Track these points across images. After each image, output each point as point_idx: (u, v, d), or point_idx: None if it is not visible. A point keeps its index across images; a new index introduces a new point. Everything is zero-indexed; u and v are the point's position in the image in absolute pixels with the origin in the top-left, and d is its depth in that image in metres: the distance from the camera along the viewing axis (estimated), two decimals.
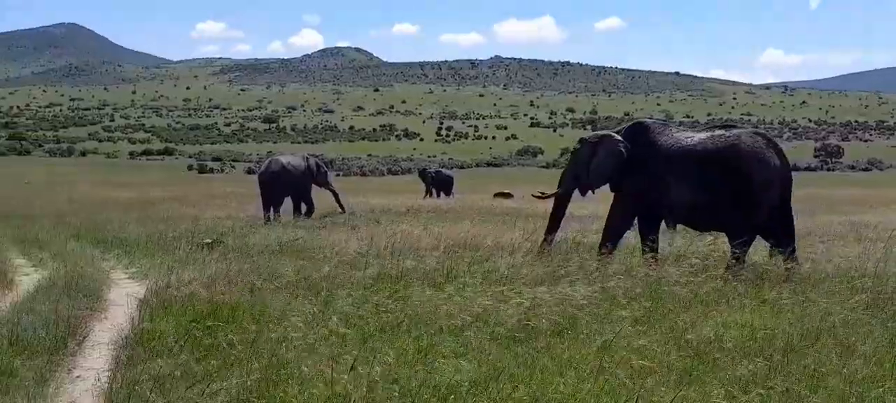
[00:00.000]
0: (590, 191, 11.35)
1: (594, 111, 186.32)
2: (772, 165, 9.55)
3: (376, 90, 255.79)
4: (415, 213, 21.05)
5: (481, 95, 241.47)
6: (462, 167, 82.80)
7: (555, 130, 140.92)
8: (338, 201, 21.86)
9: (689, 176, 9.71)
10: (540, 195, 12.74)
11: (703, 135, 10.02)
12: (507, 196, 32.33)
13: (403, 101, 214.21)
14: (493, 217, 19.07)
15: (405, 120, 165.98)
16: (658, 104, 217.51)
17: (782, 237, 9.64)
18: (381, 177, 72.29)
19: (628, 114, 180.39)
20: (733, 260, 9.18)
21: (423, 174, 37.04)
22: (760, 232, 9.74)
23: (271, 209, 20.05)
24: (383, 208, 23.61)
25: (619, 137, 10.74)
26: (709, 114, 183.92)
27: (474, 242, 11.32)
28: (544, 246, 10.77)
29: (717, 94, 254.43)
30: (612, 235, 10.43)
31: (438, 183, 35.59)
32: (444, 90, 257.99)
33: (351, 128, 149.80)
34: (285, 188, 20.56)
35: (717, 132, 9.93)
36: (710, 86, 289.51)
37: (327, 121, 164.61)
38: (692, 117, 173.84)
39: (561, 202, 11.49)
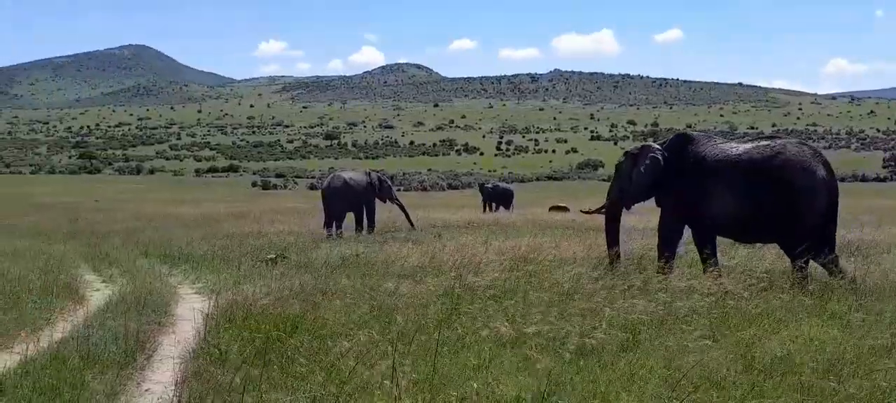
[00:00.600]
0: (635, 204, 11.28)
1: (655, 123, 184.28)
2: (817, 175, 9.41)
3: (436, 105, 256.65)
4: (475, 227, 21.06)
5: (541, 109, 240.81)
6: (522, 181, 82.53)
7: (615, 143, 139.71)
8: (406, 216, 21.93)
9: (734, 186, 9.60)
10: (587, 211, 12.69)
11: (747, 145, 9.92)
12: (563, 209, 32.20)
13: (463, 116, 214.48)
14: (553, 230, 18.97)
15: (465, 135, 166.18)
16: (721, 115, 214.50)
17: (821, 247, 9.41)
18: (442, 191, 72.42)
19: (690, 126, 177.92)
20: (798, 273, 9.01)
21: (481, 188, 37.08)
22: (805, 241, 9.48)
23: (334, 224, 20.25)
24: (444, 222, 23.66)
25: (658, 146, 10.75)
26: (773, 125, 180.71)
27: (535, 256, 11.26)
28: (610, 261, 10.67)
29: (782, 105, 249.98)
30: (665, 248, 10.30)
31: (497, 196, 35.58)
32: (504, 104, 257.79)
33: (411, 143, 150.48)
34: (348, 203, 20.76)
35: (762, 143, 9.83)
36: (774, 96, 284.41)
37: (388, 136, 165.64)
38: (757, 128, 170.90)
39: (611, 216, 11.39)
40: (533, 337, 6.58)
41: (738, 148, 9.93)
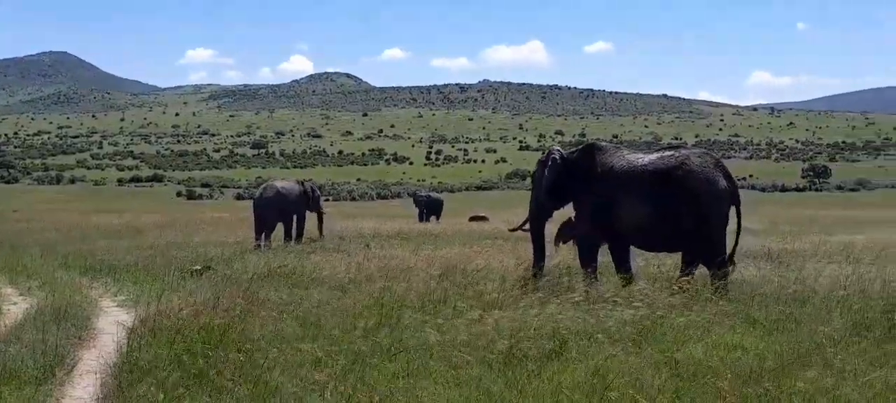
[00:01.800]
0: (553, 210, 11.46)
1: (583, 133, 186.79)
2: (720, 184, 9.67)
3: (365, 115, 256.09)
4: (405, 237, 21.06)
5: (471, 119, 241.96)
6: (452, 191, 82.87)
7: (544, 153, 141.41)
8: (321, 226, 21.86)
9: (641, 196, 9.83)
10: (514, 229, 12.85)
11: (653, 156, 10.18)
12: (482, 219, 32.66)
13: (392, 126, 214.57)
14: (482, 240, 19.07)
15: (394, 144, 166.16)
16: (646, 126, 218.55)
17: (721, 254, 9.67)
18: (371, 201, 72.30)
19: (617, 136, 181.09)
20: (719, 282, 9.22)
21: (415, 198, 37.15)
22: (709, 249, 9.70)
23: (263, 235, 20.03)
24: (374, 232, 23.61)
25: (559, 148, 11.12)
26: (697, 136, 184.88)
27: (464, 266, 11.30)
28: (535, 273, 10.75)
29: (705, 116, 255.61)
30: (586, 259, 10.44)
31: (431, 206, 35.77)
32: (434, 114, 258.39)
33: (340, 152, 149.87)
34: (280, 213, 20.57)
35: (667, 153, 10.08)
36: (698, 107, 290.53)
37: (316, 146, 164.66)
38: (680, 138, 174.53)
39: (535, 230, 11.53)
40: (461, 347, 6.60)
41: (643, 158, 10.18)
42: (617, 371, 5.94)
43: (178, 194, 76.64)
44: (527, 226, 11.83)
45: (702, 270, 9.79)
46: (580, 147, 11.16)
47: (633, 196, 9.89)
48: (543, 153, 11.54)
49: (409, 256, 13.02)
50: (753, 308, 8.03)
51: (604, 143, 11.09)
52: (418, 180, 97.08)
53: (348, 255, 14.81)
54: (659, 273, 10.67)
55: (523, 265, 11.48)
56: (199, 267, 12.96)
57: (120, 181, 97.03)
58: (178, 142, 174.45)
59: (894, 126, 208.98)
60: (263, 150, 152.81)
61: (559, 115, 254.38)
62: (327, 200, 69.97)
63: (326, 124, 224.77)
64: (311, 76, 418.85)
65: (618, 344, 6.66)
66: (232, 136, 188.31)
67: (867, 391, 5.60)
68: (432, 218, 35.07)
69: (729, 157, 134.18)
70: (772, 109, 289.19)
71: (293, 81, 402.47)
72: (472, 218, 33.22)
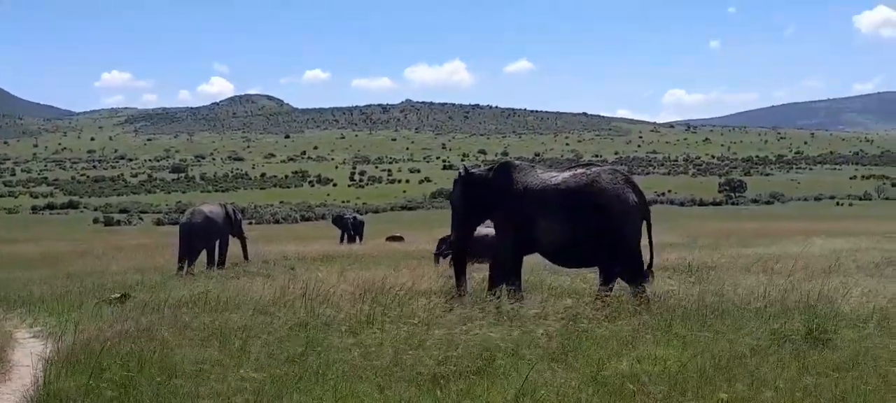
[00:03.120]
0: (472, 227, 11.69)
1: (505, 152, 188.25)
2: (630, 200, 9.96)
3: (287, 137, 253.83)
4: (330, 259, 20.94)
5: (394, 139, 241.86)
6: (377, 212, 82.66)
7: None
8: (245, 249, 21.66)
9: (555, 213, 10.08)
10: (439, 252, 13.03)
11: (566, 174, 10.44)
12: (398, 239, 33.01)
13: (315, 147, 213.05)
14: (408, 260, 19.07)
15: (318, 166, 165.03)
16: (567, 143, 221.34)
17: (638, 268, 9.99)
18: (295, 224, 71.64)
19: (538, 155, 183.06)
20: (639, 296, 9.43)
21: (341, 220, 36.99)
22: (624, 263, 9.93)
23: (187, 260, 19.70)
24: (298, 255, 23.43)
25: (465, 165, 11.65)
26: (616, 153, 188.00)
27: (390, 286, 11.28)
28: (461, 293, 10.81)
29: (624, 133, 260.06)
30: (510, 275, 10.52)
31: (357, 227, 35.83)
32: (357, 135, 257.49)
33: (262, 175, 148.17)
34: (206, 238, 20.27)
35: (579, 170, 10.37)
36: (617, 125, 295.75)
37: (238, 169, 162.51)
38: (600, 156, 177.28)
39: (458, 252, 11.64)
40: (389, 369, 6.58)
41: (557, 177, 10.44)
42: (545, 386, 5.99)
43: (95, 221, 74.71)
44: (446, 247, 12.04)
45: (622, 284, 9.98)
46: (495, 165, 11.37)
47: (548, 214, 10.12)
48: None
49: (335, 278, 12.94)
50: (675, 320, 8.18)
51: (518, 162, 11.31)
52: (343, 201, 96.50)
53: (273, 278, 14.65)
54: (583, 288, 10.82)
55: (450, 282, 11.52)
56: (118, 295, 12.66)
57: (34, 208, 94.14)
58: (94, 167, 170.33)
59: (805, 140, 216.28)
60: (183, 174, 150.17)
61: (482, 134, 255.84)
62: (250, 224, 69.22)
63: (248, 147, 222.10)
64: (232, 98, 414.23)
65: (544, 360, 6.72)
66: (150, 161, 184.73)
67: (787, 398, 5.75)
68: (357, 239, 35.13)
69: (648, 173, 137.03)
70: (688, 126, 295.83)
71: (213, 104, 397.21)
72: (390, 239, 33.45)
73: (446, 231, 16.34)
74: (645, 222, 10.18)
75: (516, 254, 10.65)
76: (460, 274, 11.28)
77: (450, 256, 15.93)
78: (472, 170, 11.43)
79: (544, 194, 10.23)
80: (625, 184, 10.04)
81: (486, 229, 13.38)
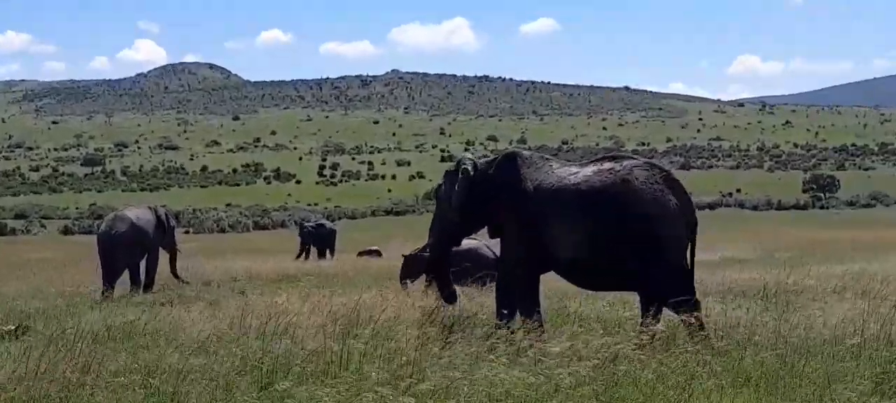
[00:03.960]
0: (463, 236, 11.90)
1: (523, 139, 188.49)
2: (671, 204, 10.04)
3: (237, 119, 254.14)
4: (292, 280, 20.91)
5: (376, 122, 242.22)
6: (353, 217, 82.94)
7: (476, 166, 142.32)
8: (174, 267, 21.62)
9: (574, 220, 10.16)
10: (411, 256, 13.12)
11: (588, 170, 10.49)
12: (375, 253, 33.04)
13: (273, 133, 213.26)
14: (393, 280, 19.05)
15: (276, 157, 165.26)
16: (604, 128, 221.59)
17: (681, 290, 9.98)
18: (246, 233, 71.72)
19: (567, 143, 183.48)
20: (691, 325, 9.39)
21: (303, 228, 37.17)
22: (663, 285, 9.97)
23: (111, 280, 19.71)
24: (250, 275, 23.41)
25: (471, 157, 11.58)
26: (669, 140, 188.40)
27: (370, 315, 11.28)
28: (445, 300, 11.33)
29: (678, 114, 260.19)
30: (526, 300, 10.58)
31: (320, 239, 35.80)
32: (327, 117, 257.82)
33: (204, 169, 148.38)
34: (131, 252, 20.26)
35: (606, 165, 10.42)
36: (670, 103, 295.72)
37: (172, 161, 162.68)
38: (648, 145, 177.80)
39: (435, 260, 11.76)
40: None
41: (577, 173, 10.47)
42: None
43: None
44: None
45: (668, 313, 9.98)
46: (498, 157, 11.44)
47: (565, 221, 10.21)
48: (455, 164, 11.78)
49: (298, 305, 12.93)
50: (745, 359, 8.16)
51: (527, 153, 11.39)
52: (309, 204, 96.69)
53: (217, 305, 14.64)
54: (623, 318, 10.81)
55: (449, 311, 11.53)
56: (13, 327, 12.66)
57: None
58: None
59: None
60: (100, 168, 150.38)
61: (492, 116, 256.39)
62: (187, 232, 69.05)
63: (185, 132, 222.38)
64: (163, 68, 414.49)
65: None
66: (56, 150, 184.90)
67: None
68: (327, 253, 35.22)
69: (710, 166, 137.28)
70: (762, 104, 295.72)
71: (139, 75, 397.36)
72: (363, 254, 33.52)
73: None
74: (689, 232, 10.23)
75: (529, 272, 10.69)
76: (443, 283, 11.62)
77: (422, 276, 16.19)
78: (482, 166, 11.42)
79: (560, 195, 10.30)
80: (664, 184, 10.11)
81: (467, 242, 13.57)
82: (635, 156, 11.10)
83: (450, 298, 11.46)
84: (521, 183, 10.66)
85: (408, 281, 17.27)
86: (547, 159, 11.16)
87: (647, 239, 9.88)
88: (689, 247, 10.31)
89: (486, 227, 11.49)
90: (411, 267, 17.54)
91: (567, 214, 10.20)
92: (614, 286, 10.66)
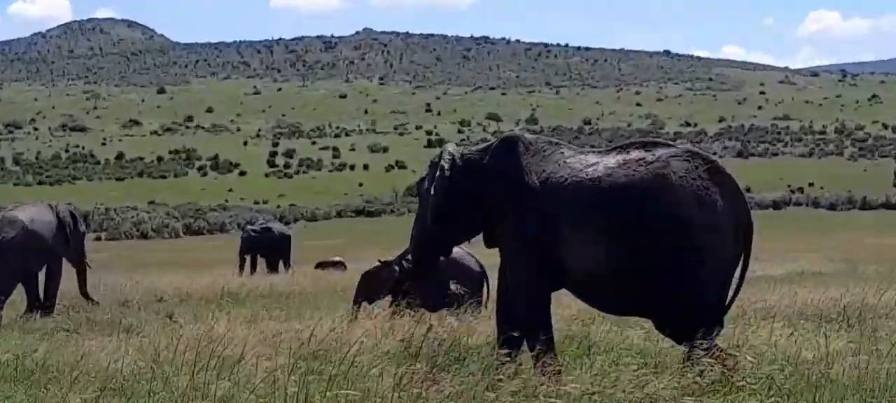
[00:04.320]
0: (452, 245, 11.92)
1: (533, 118, 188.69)
2: (718, 206, 9.96)
3: (162, 91, 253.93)
4: (235, 301, 20.94)
5: (343, 96, 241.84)
6: (314, 219, 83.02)
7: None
8: (83, 283, 21.61)
9: (585, 223, 10.12)
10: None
11: (611, 159, 10.41)
12: (339, 266, 33.12)
13: (209, 109, 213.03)
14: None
15: (214, 141, 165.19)
16: (638, 104, 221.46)
17: (707, 317, 9.96)
18: (175, 239, 71.73)
19: (589, 123, 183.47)
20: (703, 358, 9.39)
21: (248, 235, 37.23)
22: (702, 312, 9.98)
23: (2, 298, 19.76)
24: (181, 293, 23.43)
25: (455, 148, 11.45)
26: (721, 120, 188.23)
27: (337, 346, 11.29)
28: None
29: (734, 86, 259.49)
30: (536, 326, 10.53)
31: (267, 246, 35.75)
32: (280, 88, 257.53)
33: (119, 156, 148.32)
34: (24, 263, 20.28)
35: (633, 154, 10.33)
36: (723, 72, 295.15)
37: (78, 146, 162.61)
38: (694, 125, 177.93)
39: (421, 272, 11.76)
40: None
41: (597, 165, 10.39)
42: None
43: None
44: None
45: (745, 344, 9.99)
46: (494, 143, 11.38)
47: (579, 227, 10.15)
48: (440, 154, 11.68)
49: (243, 333, 12.96)
50: (821, 401, 8.18)
51: (531, 137, 11.28)
52: (256, 202, 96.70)
53: (137, 333, 14.65)
54: (660, 348, 10.85)
55: (432, 340, 11.54)
56: None
57: None
58: None
59: None
60: None
61: (493, 88, 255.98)
62: (97, 238, 68.74)
63: (95, 108, 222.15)
64: (68, 26, 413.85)
65: None
66: None
67: None
68: (279, 265, 35.23)
69: (775, 154, 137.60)
70: (843, 73, 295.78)
71: (35, 35, 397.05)
72: (321, 265, 33.59)
73: None
74: (742, 240, 10.20)
75: (538, 289, 10.66)
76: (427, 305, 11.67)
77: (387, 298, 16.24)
78: (466, 154, 11.34)
79: (573, 193, 10.26)
80: (710, 179, 10.03)
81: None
82: (672, 143, 10.97)
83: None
84: (522, 176, 10.59)
85: (364, 303, 17.08)
86: (557, 145, 11.04)
87: (684, 252, 9.81)
88: (741, 261, 10.26)
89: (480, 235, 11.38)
90: (372, 285, 17.23)
91: (581, 217, 10.14)
92: (640, 309, 10.54)
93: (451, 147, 11.38)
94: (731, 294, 10.24)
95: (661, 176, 9.96)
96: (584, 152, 10.92)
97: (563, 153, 10.74)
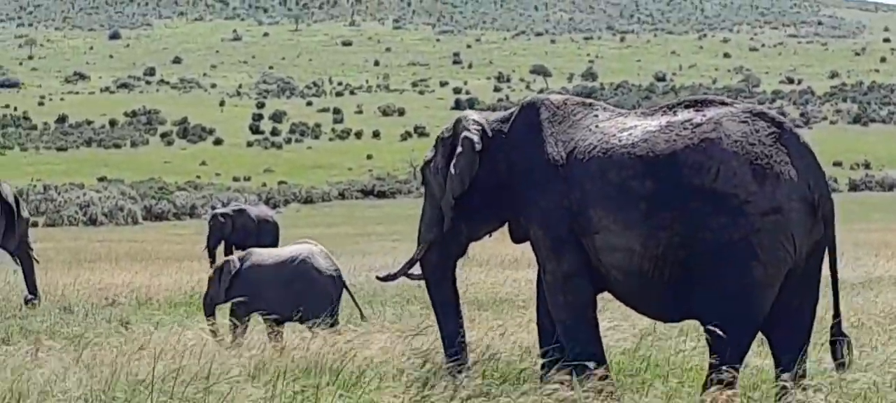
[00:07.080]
0: (473, 239, 11.88)
1: (590, 72, 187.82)
2: (783, 180, 9.84)
3: (116, 37, 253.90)
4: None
5: (346, 43, 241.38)
6: (308, 200, 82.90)
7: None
8: (30, 280, 21.79)
9: (622, 205, 10.11)
10: (389, 277, 13.09)
11: (652, 122, 10.38)
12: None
13: (177, 61, 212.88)
14: (374, 303, 19.28)
15: (181, 101, 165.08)
16: (725, 54, 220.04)
17: (793, 323, 10.04)
18: (132, 225, 71.85)
19: (663, 79, 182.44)
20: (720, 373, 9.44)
21: (216, 220, 36.98)
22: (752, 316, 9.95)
23: None
24: (140, 294, 23.57)
25: (477, 119, 11.39)
26: (833, 76, 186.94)
27: (333, 360, 11.46)
28: (452, 355, 11.21)
29: (850, 32, 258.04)
30: (574, 329, 10.66)
31: (245, 234, 35.54)
32: (266, 34, 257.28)
33: (61, 119, 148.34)
34: None
35: (679, 117, 10.28)
36: (836, 14, 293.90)
37: (7, 106, 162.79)
38: (799, 83, 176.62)
39: (436, 271, 11.92)
40: None
41: (634, 129, 10.37)
42: None
43: None
44: (416, 270, 12.12)
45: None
46: (514, 109, 11.46)
47: (611, 207, 10.15)
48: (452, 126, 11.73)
49: (216, 347, 13.15)
50: None
51: (558, 98, 11.31)
52: (236, 179, 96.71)
53: (84, 347, 14.84)
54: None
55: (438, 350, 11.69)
56: None
57: None
58: None
59: None
60: None
61: (539, 34, 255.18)
62: (35, 224, 68.20)
63: (30, 59, 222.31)
64: None
65: None
66: None
67: None
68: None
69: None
70: None
71: None
72: None
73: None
74: (821, 227, 10.03)
75: (578, 293, 10.68)
76: (448, 323, 11.66)
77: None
78: (493, 126, 11.29)
79: (599, 163, 10.25)
80: (774, 147, 9.86)
81: None
82: (730, 101, 10.48)
83: (456, 355, 11.25)
84: (544, 147, 10.66)
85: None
86: (590, 107, 11.08)
87: (735, 241, 9.71)
88: (830, 253, 10.18)
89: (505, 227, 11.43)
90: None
91: (613, 194, 10.11)
92: (681, 313, 10.39)
93: (472, 114, 11.36)
94: (822, 299, 10.07)
95: (708, 141, 9.82)
96: (624, 114, 10.85)
97: (596, 115, 10.77)
